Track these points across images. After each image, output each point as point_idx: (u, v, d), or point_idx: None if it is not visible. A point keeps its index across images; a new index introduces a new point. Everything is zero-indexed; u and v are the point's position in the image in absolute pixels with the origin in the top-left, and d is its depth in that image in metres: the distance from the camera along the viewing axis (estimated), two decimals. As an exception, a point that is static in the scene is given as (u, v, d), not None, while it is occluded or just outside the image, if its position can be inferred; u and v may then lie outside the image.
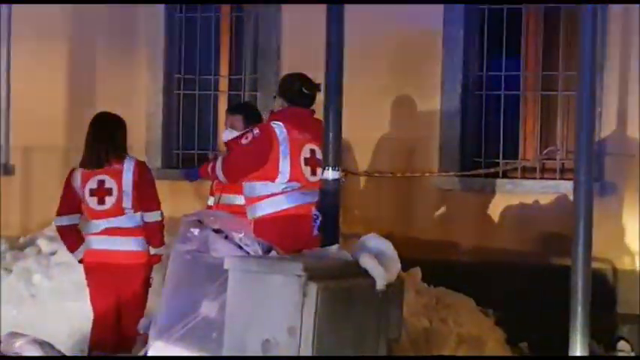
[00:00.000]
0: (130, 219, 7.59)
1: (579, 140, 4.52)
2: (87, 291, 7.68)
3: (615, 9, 10.03)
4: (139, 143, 10.59)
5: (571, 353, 4.36)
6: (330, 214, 5.62)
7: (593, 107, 4.48)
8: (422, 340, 7.69)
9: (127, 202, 7.59)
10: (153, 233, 7.70)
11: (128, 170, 7.65)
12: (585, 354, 4.36)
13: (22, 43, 12.62)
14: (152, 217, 7.69)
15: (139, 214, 7.63)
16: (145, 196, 7.70)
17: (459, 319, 8.49)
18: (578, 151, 4.51)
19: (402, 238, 9.56)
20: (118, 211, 7.60)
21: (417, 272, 8.76)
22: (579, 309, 4.34)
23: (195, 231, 4.38)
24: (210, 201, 7.67)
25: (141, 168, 7.81)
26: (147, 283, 7.66)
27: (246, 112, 7.90)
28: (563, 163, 10.42)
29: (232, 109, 8.42)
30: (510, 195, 10.63)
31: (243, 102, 9.99)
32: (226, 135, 7.74)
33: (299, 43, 10.46)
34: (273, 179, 6.87)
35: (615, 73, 10.20)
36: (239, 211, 6.83)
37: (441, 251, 10.28)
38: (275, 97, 7.47)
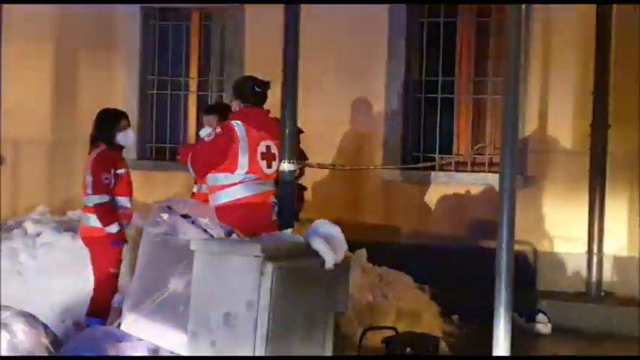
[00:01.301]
0: (87, 200, 7.49)
1: (505, 138, 4.54)
2: (71, 268, 7.66)
3: (537, 25, 10.10)
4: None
5: (495, 324, 4.38)
6: (286, 202, 5.61)
7: (517, 110, 4.50)
8: (366, 313, 7.69)
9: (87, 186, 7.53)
10: (97, 213, 7.65)
11: (91, 159, 7.62)
12: (508, 325, 4.38)
13: (11, 45, 12.48)
14: (93, 200, 7.63)
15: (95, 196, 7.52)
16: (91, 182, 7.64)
17: (398, 295, 8.50)
18: (503, 147, 4.54)
19: (349, 223, 9.54)
20: (84, 193, 7.54)
21: (362, 253, 8.75)
22: (503, 286, 4.36)
23: (165, 216, 4.37)
24: (195, 189, 7.65)
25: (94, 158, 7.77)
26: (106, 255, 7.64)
27: (220, 112, 7.89)
28: (491, 158, 10.47)
29: (208, 110, 8.42)
30: (445, 186, 10.68)
31: (219, 103, 9.94)
32: (203, 132, 7.73)
33: (261, 48, 10.43)
34: (232, 171, 6.86)
35: (536, 80, 10.27)
36: (199, 196, 6.87)
37: (384, 235, 10.30)
38: (231, 100, 7.48)
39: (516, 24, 4.43)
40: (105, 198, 7.44)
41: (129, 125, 7.73)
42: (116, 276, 7.57)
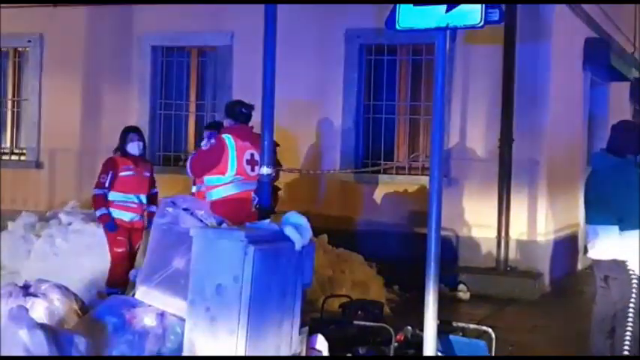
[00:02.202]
0: None
1: (433, 149, 4.53)
2: (95, 250, 7.67)
3: (458, 61, 10.14)
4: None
5: (426, 294, 4.38)
6: (264, 198, 5.59)
7: (443, 127, 4.50)
8: (327, 284, 7.69)
9: None
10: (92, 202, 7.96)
11: None
12: (436, 293, 4.37)
13: (50, 78, 12.41)
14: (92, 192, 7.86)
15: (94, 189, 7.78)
16: None
17: (352, 270, 8.51)
18: (432, 156, 4.53)
19: (314, 214, 9.48)
20: None
21: (324, 238, 8.75)
22: (432, 262, 4.36)
23: (170, 209, 4.34)
24: (194, 189, 7.61)
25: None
26: (108, 237, 7.71)
27: (217, 128, 7.92)
28: (423, 164, 10.47)
29: (208, 126, 8.49)
30: (388, 185, 10.68)
31: (215, 121, 9.88)
32: (204, 143, 7.76)
33: (246, 78, 10.37)
34: (224, 173, 6.84)
35: (457, 104, 10.30)
36: (198, 195, 6.87)
37: (341, 223, 10.27)
38: (224, 118, 7.49)
39: (442, 60, 4.44)
40: (98, 191, 7.69)
41: (138, 138, 7.86)
42: (123, 255, 7.56)
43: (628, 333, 6.00)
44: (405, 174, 10.74)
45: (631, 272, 5.96)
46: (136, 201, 7.70)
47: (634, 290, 6.00)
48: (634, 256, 5.93)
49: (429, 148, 9.80)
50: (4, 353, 3.66)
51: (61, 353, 3.75)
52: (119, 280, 7.29)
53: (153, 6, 11.60)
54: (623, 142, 6.19)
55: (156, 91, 11.95)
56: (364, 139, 10.99)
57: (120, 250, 7.56)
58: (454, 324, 5.25)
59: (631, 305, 6.01)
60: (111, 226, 7.55)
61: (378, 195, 10.74)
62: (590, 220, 6.23)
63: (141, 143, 7.88)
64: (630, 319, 6.00)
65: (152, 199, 7.84)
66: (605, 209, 6.03)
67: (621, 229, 5.93)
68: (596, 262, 6.23)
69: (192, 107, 11.96)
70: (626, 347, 6.00)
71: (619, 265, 6.02)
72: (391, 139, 10.96)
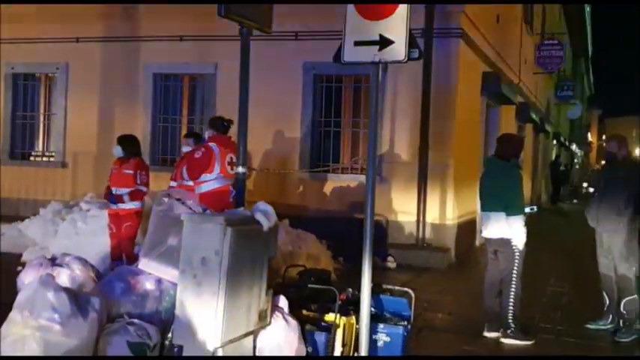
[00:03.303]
0: None
1: (369, 154, 4.54)
2: (106, 231, 7.41)
3: (388, 87, 10.19)
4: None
5: (363, 264, 4.36)
6: (239, 191, 5.54)
7: (376, 138, 4.50)
8: (288, 257, 7.65)
9: None
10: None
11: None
12: (370, 263, 4.36)
13: (74, 95, 12.28)
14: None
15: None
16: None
17: (307, 246, 8.49)
18: (368, 160, 4.53)
19: (279, 203, 9.45)
20: None
21: (286, 221, 8.71)
22: (367, 240, 4.36)
23: (165, 199, 4.28)
24: (173, 183, 7.42)
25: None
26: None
27: (194, 137, 7.83)
28: (362, 166, 10.54)
29: (187, 135, 8.33)
30: (335, 182, 10.70)
31: (193, 132, 9.77)
32: (185, 149, 7.65)
33: (227, 99, 10.30)
34: (210, 172, 6.81)
35: (388, 121, 10.37)
36: (189, 188, 6.74)
37: (299, 210, 10.27)
38: (208, 127, 7.44)
39: (375, 86, 4.44)
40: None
41: (117, 144, 7.33)
42: (111, 236, 7.16)
43: (512, 293, 6.11)
44: (348, 173, 10.78)
45: (514, 247, 6.07)
46: (116, 193, 7.09)
47: (516, 261, 6.10)
48: (516, 235, 6.04)
49: (365, 154, 9.88)
50: (36, 311, 3.58)
51: (80, 311, 3.68)
52: (114, 254, 7.09)
53: (155, 42, 11.53)
54: (507, 150, 6.31)
55: (156, 108, 11.87)
56: (317, 146, 11.00)
57: (109, 232, 7.23)
58: (384, 286, 5.25)
59: (514, 272, 6.11)
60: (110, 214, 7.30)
61: (328, 189, 10.75)
62: (483, 208, 6.33)
63: (118, 147, 7.26)
64: (513, 283, 6.11)
65: (133, 193, 7.08)
66: (495, 200, 6.14)
67: (507, 214, 6.02)
68: (488, 240, 6.31)
69: (185, 121, 11.87)
70: (511, 304, 6.10)
71: (505, 242, 6.11)
72: (337, 146, 10.98)
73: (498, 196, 6.09)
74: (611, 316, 6.63)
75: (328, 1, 9.43)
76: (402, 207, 10.25)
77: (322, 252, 8.82)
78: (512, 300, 6.09)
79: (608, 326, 6.60)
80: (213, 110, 10.80)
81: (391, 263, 9.53)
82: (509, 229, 6.02)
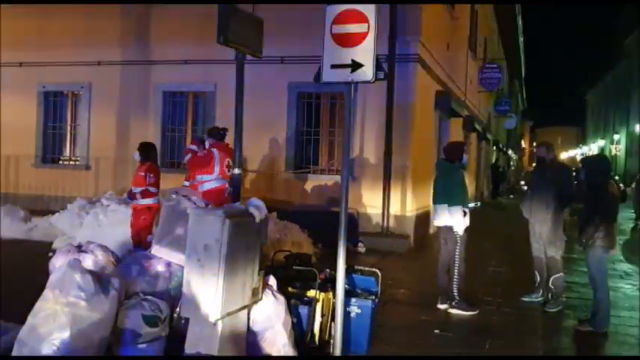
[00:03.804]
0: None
1: (344, 158, 4.52)
2: (125, 223, 7.26)
3: (360, 101, 10.20)
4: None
5: (338, 249, 4.32)
6: (235, 189, 5.50)
7: (349, 144, 4.49)
8: (276, 244, 7.63)
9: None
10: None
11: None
12: (344, 248, 4.32)
13: (95, 111, 12.14)
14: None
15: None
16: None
17: (292, 234, 8.49)
18: (343, 162, 4.52)
19: (269, 199, 9.37)
20: None
21: (274, 214, 8.70)
22: (342, 229, 4.34)
23: (174, 195, 4.23)
24: (186, 183, 7.37)
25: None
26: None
27: (199, 140, 7.78)
28: (337, 168, 10.54)
29: (194, 138, 8.30)
30: (315, 181, 10.69)
31: (199, 137, 9.69)
32: (192, 147, 7.58)
33: (224, 111, 10.25)
34: (211, 173, 6.78)
35: (358, 130, 10.38)
36: (192, 187, 6.69)
37: (285, 205, 10.23)
38: (207, 136, 7.38)
39: (349, 102, 4.44)
40: None
41: (136, 150, 7.09)
42: (142, 227, 6.93)
43: (455, 271, 6.16)
44: (325, 174, 10.77)
45: (455, 233, 6.11)
46: (133, 191, 6.95)
47: (458, 244, 6.14)
48: (457, 223, 6.08)
49: (340, 158, 9.87)
50: (65, 290, 3.52)
51: (102, 289, 3.63)
52: (134, 241, 6.94)
53: (164, 65, 11.45)
54: (451, 155, 6.35)
55: (165, 120, 11.77)
56: (300, 151, 10.97)
57: (130, 223, 7.06)
58: (355, 267, 5.25)
59: (456, 254, 6.16)
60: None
61: (309, 187, 10.74)
62: (433, 201, 6.35)
63: (137, 153, 7.06)
64: (456, 263, 6.16)
65: (144, 192, 6.86)
66: (442, 195, 6.18)
67: (449, 206, 6.07)
68: (439, 228, 6.34)
69: (189, 131, 11.76)
70: (455, 280, 6.14)
71: (449, 229, 6.16)
72: (317, 151, 10.96)
73: (444, 192, 6.16)
74: (541, 290, 6.71)
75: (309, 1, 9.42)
76: (370, 201, 10.27)
77: (304, 239, 8.80)
78: (455, 277, 6.14)
79: (539, 299, 6.68)
80: (213, 122, 10.73)
81: (361, 248, 9.55)
82: (451, 219, 6.08)
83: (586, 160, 6.70)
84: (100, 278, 3.70)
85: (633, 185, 21.64)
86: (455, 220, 6.05)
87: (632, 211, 19.45)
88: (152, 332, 3.71)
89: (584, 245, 5.72)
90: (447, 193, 6.11)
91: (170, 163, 11.58)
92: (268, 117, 10.74)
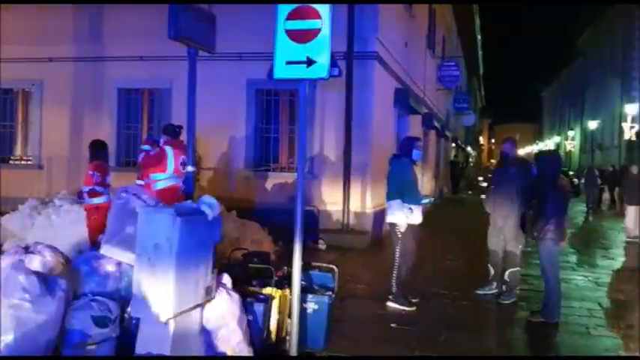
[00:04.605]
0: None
1: (299, 154, 4.52)
2: (78, 224, 7.04)
3: (318, 102, 10.21)
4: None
5: (295, 246, 4.33)
6: (189, 187, 5.42)
7: (306, 142, 4.48)
8: (234, 242, 7.53)
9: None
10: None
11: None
12: (301, 245, 4.32)
13: (47, 109, 11.89)
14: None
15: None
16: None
17: (251, 232, 8.39)
18: (298, 159, 4.51)
19: (228, 198, 9.41)
20: None
21: (233, 212, 8.62)
22: (298, 226, 4.35)
23: (123, 194, 4.14)
24: (139, 182, 7.17)
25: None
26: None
27: (152, 139, 7.63)
28: (297, 165, 10.51)
29: (148, 137, 8.11)
30: (275, 179, 10.66)
31: (152, 136, 9.50)
32: (145, 147, 7.42)
33: (178, 110, 10.06)
34: (164, 171, 6.65)
35: (318, 128, 10.39)
36: (146, 186, 6.54)
37: (245, 203, 10.16)
38: (162, 134, 7.25)
39: (303, 98, 4.42)
40: None
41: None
42: (93, 227, 6.60)
43: (395, 266, 6.21)
44: (286, 171, 10.75)
45: (397, 229, 6.15)
46: (82, 190, 6.74)
47: (399, 241, 6.17)
48: (399, 220, 6.10)
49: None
50: (9, 292, 3.41)
51: (48, 291, 3.53)
52: (91, 242, 6.69)
53: (119, 61, 11.20)
54: (404, 150, 6.40)
55: (120, 118, 11.56)
56: (259, 149, 10.91)
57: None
58: (313, 264, 5.25)
59: (397, 250, 6.20)
60: None
61: (269, 185, 10.70)
62: (387, 198, 6.34)
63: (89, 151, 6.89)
64: (396, 258, 6.19)
65: (91, 192, 6.61)
66: (389, 190, 6.22)
67: (390, 200, 6.14)
68: (390, 224, 6.36)
69: (145, 128, 11.58)
70: (394, 275, 6.18)
71: (392, 225, 6.21)
72: (277, 149, 10.93)
73: (390, 187, 6.21)
74: (495, 283, 6.83)
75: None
76: (330, 198, 10.30)
77: (265, 237, 8.72)
78: (395, 272, 6.19)
79: (493, 291, 6.81)
80: (169, 119, 10.55)
81: (322, 245, 9.55)
82: (392, 215, 6.13)
83: (538, 155, 6.87)
84: (46, 279, 3.60)
85: (583, 180, 22.36)
86: (396, 217, 6.10)
87: (585, 205, 20.11)
88: (101, 333, 3.63)
89: (536, 238, 5.86)
90: (392, 188, 6.17)
91: (125, 162, 11.36)
92: (227, 114, 10.65)
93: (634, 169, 12.39)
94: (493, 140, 78.88)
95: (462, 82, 28.00)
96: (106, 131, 11.14)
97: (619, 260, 9.94)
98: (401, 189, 6.12)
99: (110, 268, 3.91)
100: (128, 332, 3.75)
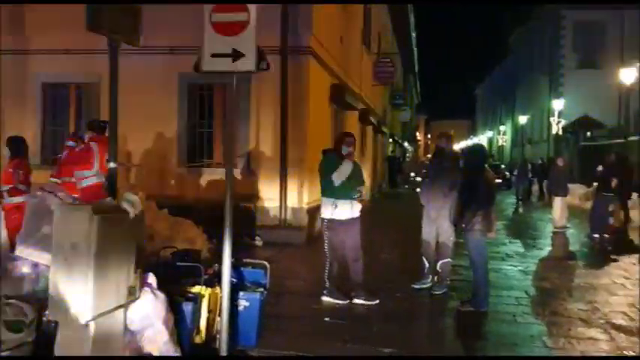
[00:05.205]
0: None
1: (225, 149, 4.44)
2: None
3: (253, 97, 10.11)
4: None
5: (224, 243, 4.28)
6: (111, 184, 5.23)
7: (235, 137, 4.41)
8: (166, 240, 7.33)
9: None
10: None
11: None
12: (230, 240, 4.26)
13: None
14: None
15: None
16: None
17: (184, 230, 8.19)
18: (224, 154, 4.44)
19: (160, 195, 9.22)
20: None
21: (165, 210, 8.37)
22: (227, 222, 4.28)
23: (39, 192, 3.94)
24: (53, 180, 6.84)
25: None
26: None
27: (77, 136, 7.32)
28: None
29: (72, 134, 7.77)
30: (209, 175, 10.46)
31: (77, 133, 9.12)
32: (71, 144, 7.12)
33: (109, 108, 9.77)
34: (90, 169, 6.41)
35: (254, 122, 10.30)
36: (71, 185, 6.28)
37: (178, 201, 9.92)
38: (87, 129, 6.99)
39: (231, 92, 4.36)
40: None
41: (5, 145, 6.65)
42: (11, 228, 6.43)
43: (327, 260, 6.25)
44: (221, 167, 10.48)
45: (324, 223, 6.18)
46: (1, 190, 6.51)
47: (325, 234, 6.21)
48: (324, 213, 6.16)
49: (237, 150, 9.72)
50: None
51: (-45, 297, 3.31)
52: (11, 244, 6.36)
53: (43, 54, 10.71)
54: (334, 145, 6.43)
55: (45, 113, 11.08)
56: (193, 144, 10.70)
57: None
58: (244, 260, 5.18)
59: (325, 243, 6.24)
60: None
61: (203, 181, 10.50)
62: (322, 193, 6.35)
63: (6, 148, 6.67)
64: (326, 252, 6.23)
65: (12, 190, 6.39)
66: (321, 186, 6.24)
67: (322, 196, 6.19)
68: (321, 219, 6.37)
69: (72, 124, 11.11)
70: (326, 268, 6.21)
71: (323, 220, 6.23)
72: (211, 144, 10.74)
73: (320, 183, 6.24)
74: (430, 276, 6.96)
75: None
76: (267, 194, 10.23)
77: (198, 235, 8.53)
78: (326, 267, 6.24)
79: (429, 284, 6.93)
80: (97, 115, 10.18)
81: (258, 242, 9.48)
82: (321, 211, 6.18)
83: (464, 149, 7.06)
84: (-48, 284, 3.37)
85: (515, 172, 23.30)
86: (322, 211, 6.16)
87: (515, 197, 20.97)
88: (16, 338, 3.43)
89: (464, 230, 6.03)
90: (321, 184, 6.20)
91: (52, 160, 10.84)
92: (158, 109, 10.38)
93: (560, 162, 12.99)
94: (429, 136, 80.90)
95: (398, 78, 28.53)
96: (28, 127, 10.64)
97: (546, 250, 10.41)
98: (323, 184, 6.16)
99: (26, 269, 3.72)
100: (46, 335, 3.57)
